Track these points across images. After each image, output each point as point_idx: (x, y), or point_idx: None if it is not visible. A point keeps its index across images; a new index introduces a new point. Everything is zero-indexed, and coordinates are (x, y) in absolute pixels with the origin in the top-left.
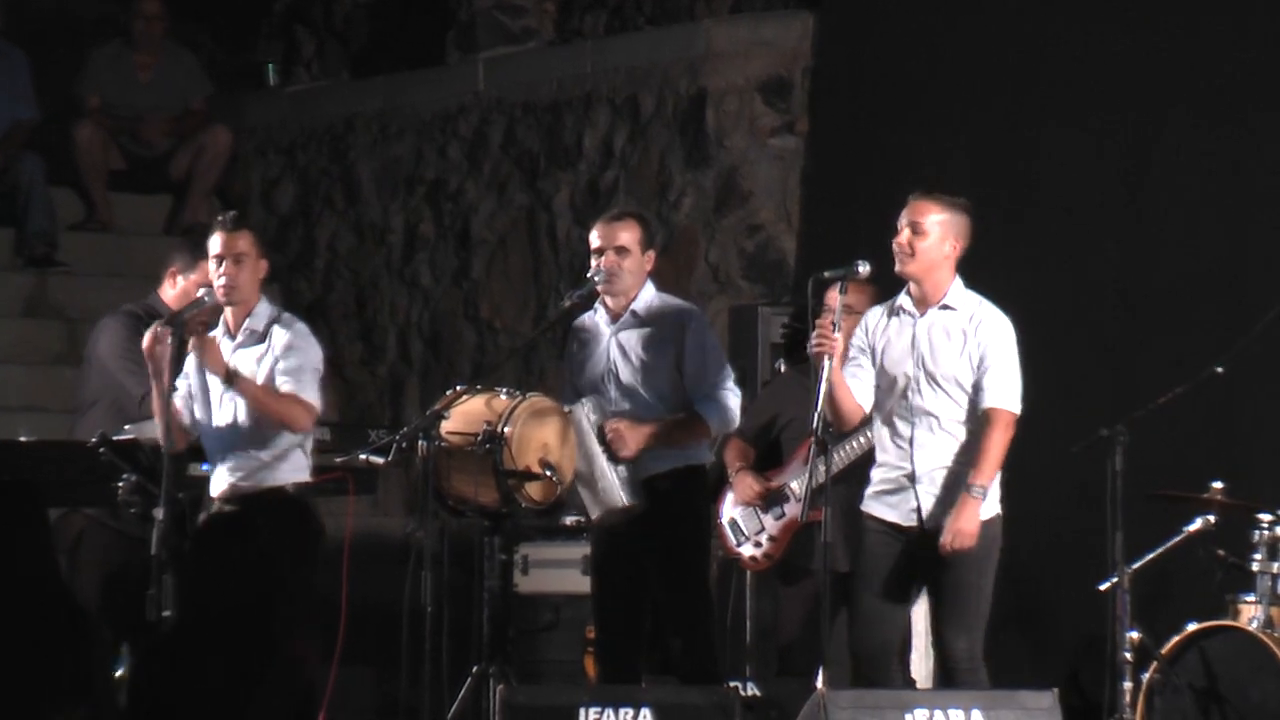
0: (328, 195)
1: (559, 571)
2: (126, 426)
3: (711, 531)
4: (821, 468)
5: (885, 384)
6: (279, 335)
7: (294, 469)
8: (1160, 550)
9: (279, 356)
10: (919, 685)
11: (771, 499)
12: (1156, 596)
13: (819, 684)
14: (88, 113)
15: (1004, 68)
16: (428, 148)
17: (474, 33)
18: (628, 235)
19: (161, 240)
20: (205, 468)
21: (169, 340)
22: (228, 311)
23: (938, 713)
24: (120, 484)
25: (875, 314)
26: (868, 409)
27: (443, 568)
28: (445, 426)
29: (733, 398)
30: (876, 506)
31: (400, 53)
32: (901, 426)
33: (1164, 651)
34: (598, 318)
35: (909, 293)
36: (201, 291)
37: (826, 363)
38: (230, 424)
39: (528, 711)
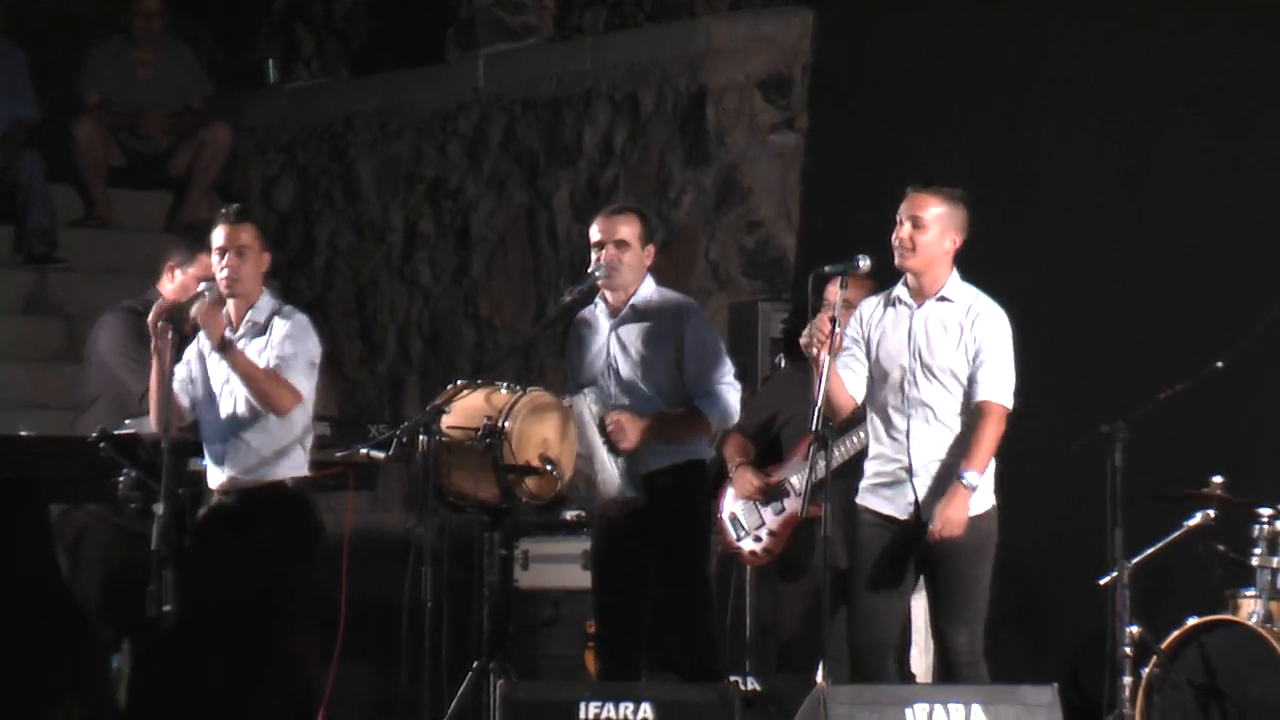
0: (327, 193)
1: (559, 567)
2: (127, 421)
3: (711, 527)
4: (821, 463)
5: (880, 375)
6: (279, 326)
7: (294, 466)
8: (1160, 545)
9: (276, 344)
10: (919, 680)
11: (771, 494)
12: (1156, 591)
13: (819, 679)
14: (88, 109)
15: (1004, 67)
16: (427, 145)
17: (474, 30)
18: (628, 229)
19: (161, 237)
20: (204, 462)
21: (169, 336)
22: (230, 304)
23: (938, 708)
24: (120, 479)
25: (871, 304)
26: (859, 400)
27: (442, 563)
28: (445, 421)
29: (733, 392)
30: (872, 499)
31: (400, 50)
32: (897, 419)
33: (1164, 647)
34: (598, 312)
35: (906, 284)
36: (202, 285)
37: (825, 359)
38: (230, 415)
39: (528, 707)
